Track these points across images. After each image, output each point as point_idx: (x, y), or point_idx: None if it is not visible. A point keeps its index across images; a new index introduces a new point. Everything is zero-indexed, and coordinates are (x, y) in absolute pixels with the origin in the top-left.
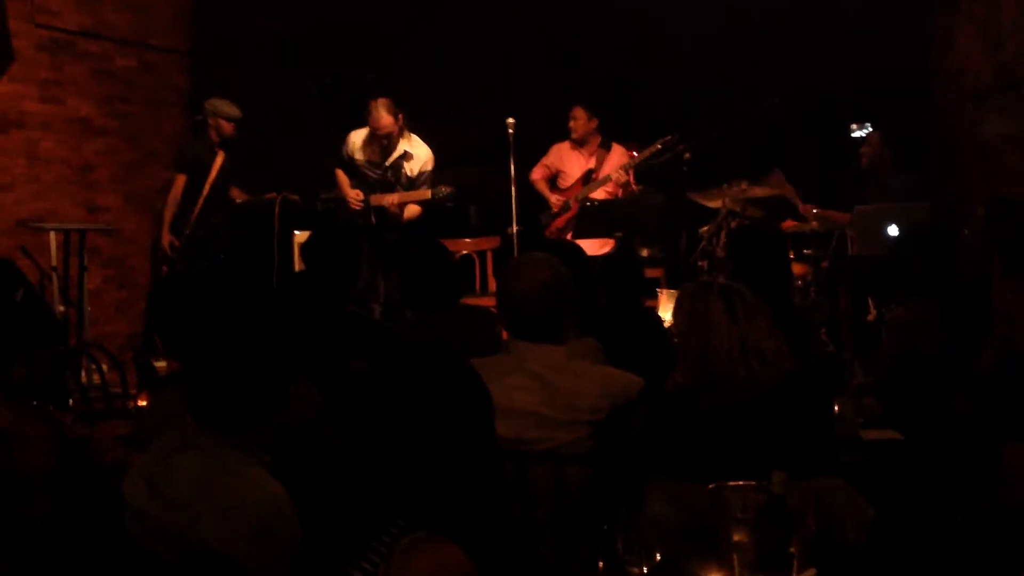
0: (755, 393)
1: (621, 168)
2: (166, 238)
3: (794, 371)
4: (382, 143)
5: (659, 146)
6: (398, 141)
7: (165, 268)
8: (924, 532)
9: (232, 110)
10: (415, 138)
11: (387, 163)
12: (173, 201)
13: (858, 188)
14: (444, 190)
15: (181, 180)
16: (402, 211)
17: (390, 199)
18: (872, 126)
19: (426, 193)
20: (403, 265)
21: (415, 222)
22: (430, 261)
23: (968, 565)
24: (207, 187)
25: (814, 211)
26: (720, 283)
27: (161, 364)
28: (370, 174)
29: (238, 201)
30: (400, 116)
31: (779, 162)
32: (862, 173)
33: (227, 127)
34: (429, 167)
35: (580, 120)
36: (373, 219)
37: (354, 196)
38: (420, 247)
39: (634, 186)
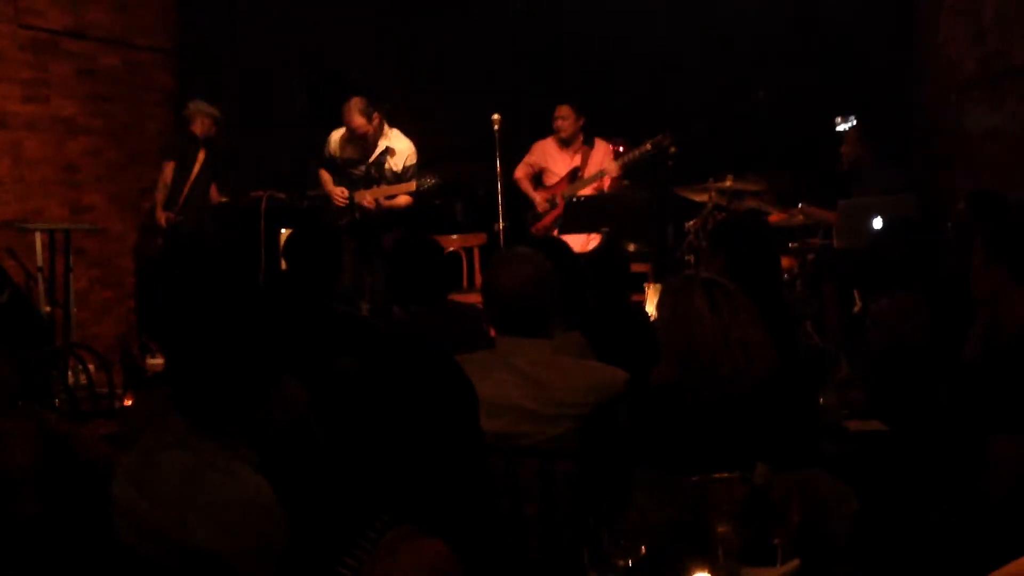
0: (739, 386)
1: (615, 163)
2: (161, 216)
3: (778, 364)
4: (362, 141)
5: (648, 146)
6: (377, 138)
7: (159, 240)
8: (908, 523)
9: (211, 109)
10: (396, 133)
11: (369, 160)
12: (163, 185)
13: (843, 183)
14: (429, 181)
15: (170, 166)
16: (384, 205)
17: (373, 195)
18: (856, 119)
19: (411, 185)
20: (391, 260)
21: (403, 219)
22: (418, 256)
23: (951, 556)
24: (191, 178)
25: (800, 207)
26: (703, 277)
27: (156, 361)
28: (353, 172)
29: (222, 201)
30: (375, 115)
31: (762, 162)
32: (845, 168)
33: (207, 124)
34: (413, 160)
35: (568, 120)
36: (358, 215)
37: (339, 193)
38: (409, 242)
39: (621, 181)
